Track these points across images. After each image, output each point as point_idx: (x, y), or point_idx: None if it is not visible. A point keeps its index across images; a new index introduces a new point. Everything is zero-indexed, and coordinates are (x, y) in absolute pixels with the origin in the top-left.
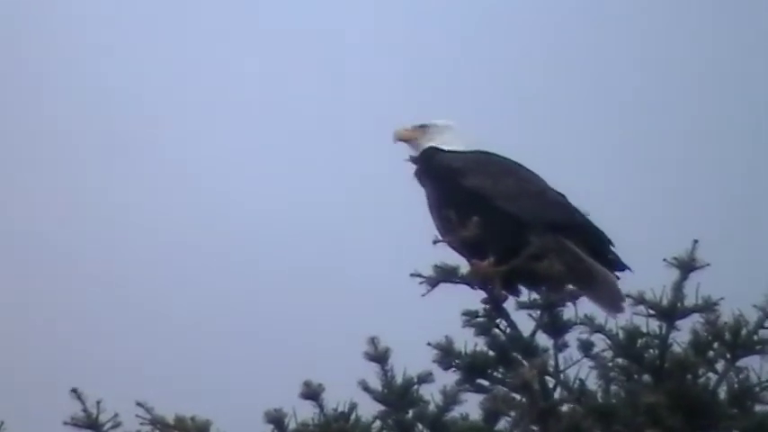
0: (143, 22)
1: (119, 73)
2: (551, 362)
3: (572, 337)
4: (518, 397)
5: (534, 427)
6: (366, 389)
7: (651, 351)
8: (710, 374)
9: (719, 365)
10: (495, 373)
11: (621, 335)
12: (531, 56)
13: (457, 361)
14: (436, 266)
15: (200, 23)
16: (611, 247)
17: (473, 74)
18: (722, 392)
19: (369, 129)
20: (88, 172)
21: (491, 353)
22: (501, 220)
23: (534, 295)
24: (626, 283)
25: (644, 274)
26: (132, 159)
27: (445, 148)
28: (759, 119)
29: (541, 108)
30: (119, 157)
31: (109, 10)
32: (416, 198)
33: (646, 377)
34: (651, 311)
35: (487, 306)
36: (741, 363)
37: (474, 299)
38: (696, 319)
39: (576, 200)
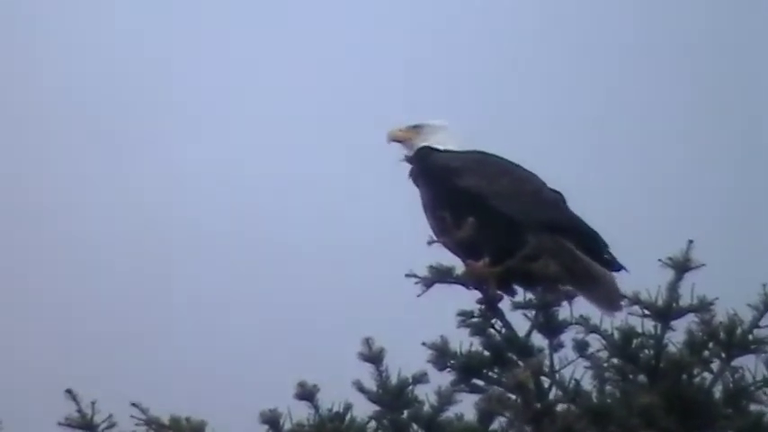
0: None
1: (120, 70)
2: (546, 362)
3: (567, 338)
4: (513, 397)
5: (529, 428)
6: (361, 389)
7: (646, 351)
8: (706, 374)
9: (714, 365)
10: (490, 374)
11: (617, 335)
12: (526, 56)
13: (452, 361)
14: (431, 267)
15: (200, 23)
16: (607, 248)
17: (471, 74)
18: (717, 392)
19: (367, 129)
20: (90, 168)
21: (486, 353)
22: (496, 221)
23: (529, 295)
24: (621, 283)
25: (639, 274)
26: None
27: (440, 147)
28: (753, 118)
29: (536, 108)
30: (121, 152)
31: (110, 7)
32: (412, 198)
33: (641, 377)
34: (646, 312)
35: (482, 306)
36: (736, 362)
37: (469, 299)
38: (691, 319)
39: (570, 199)
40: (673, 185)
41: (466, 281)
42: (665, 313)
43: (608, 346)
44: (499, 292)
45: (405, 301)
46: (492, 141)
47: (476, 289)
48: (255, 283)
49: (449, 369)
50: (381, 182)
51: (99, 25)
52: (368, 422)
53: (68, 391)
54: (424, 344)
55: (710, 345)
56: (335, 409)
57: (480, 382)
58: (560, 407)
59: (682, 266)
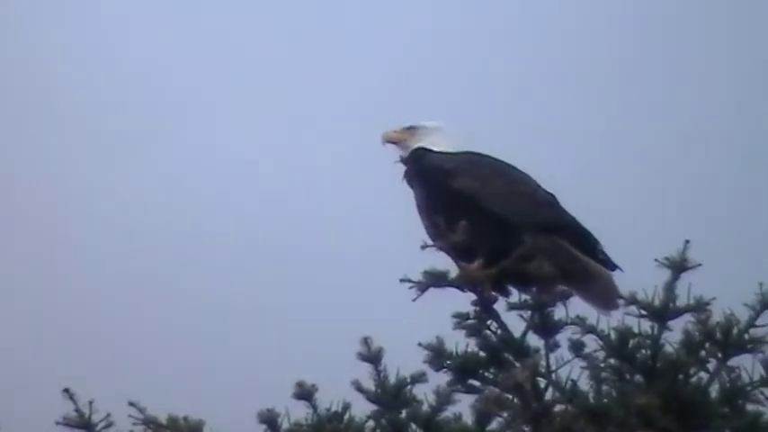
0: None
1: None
2: (543, 362)
3: (563, 338)
4: (510, 397)
5: (527, 429)
6: (359, 389)
7: (643, 351)
8: (702, 374)
9: (711, 365)
10: (486, 374)
11: (613, 335)
12: (526, 56)
13: (448, 362)
14: (426, 272)
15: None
16: (601, 248)
17: (471, 74)
18: (714, 392)
19: (367, 129)
20: (91, 168)
21: (482, 354)
22: (490, 222)
23: (524, 296)
24: (618, 283)
25: (635, 274)
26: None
27: (434, 149)
28: (749, 118)
29: (532, 108)
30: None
31: (111, 8)
32: (410, 199)
33: (638, 377)
34: (643, 312)
35: (477, 308)
36: (733, 362)
37: (466, 298)
38: (688, 320)
39: (566, 200)
40: (669, 185)
41: (460, 284)
42: (662, 313)
43: (605, 347)
44: (494, 293)
45: (403, 301)
46: (492, 142)
47: (471, 291)
48: (254, 283)
49: (445, 369)
50: (381, 182)
51: (98, 25)
52: (366, 422)
53: (66, 391)
54: (420, 344)
55: (707, 345)
56: (334, 409)
57: (477, 383)
58: (558, 407)
59: (678, 266)
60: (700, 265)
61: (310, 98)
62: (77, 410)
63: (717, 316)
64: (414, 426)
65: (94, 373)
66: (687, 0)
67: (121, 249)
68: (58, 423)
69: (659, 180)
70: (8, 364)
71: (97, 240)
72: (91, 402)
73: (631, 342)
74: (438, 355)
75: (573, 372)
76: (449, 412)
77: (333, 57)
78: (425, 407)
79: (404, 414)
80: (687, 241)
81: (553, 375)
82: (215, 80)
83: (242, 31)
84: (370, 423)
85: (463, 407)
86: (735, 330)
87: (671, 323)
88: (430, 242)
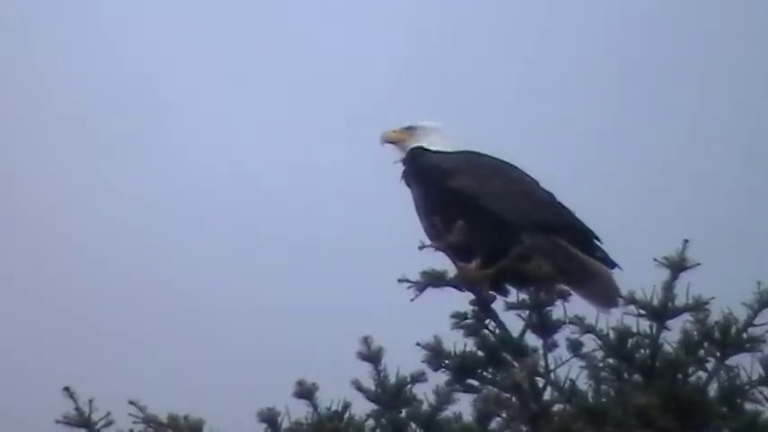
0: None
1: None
2: (541, 362)
3: (561, 337)
4: (508, 397)
5: (525, 428)
6: (359, 388)
7: (642, 351)
8: (701, 373)
9: (710, 364)
10: (484, 374)
11: (612, 335)
12: (526, 56)
13: (446, 361)
14: (424, 272)
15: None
16: (600, 245)
17: (471, 74)
18: (713, 391)
19: (367, 129)
20: (91, 168)
21: (481, 353)
22: (488, 221)
23: (523, 296)
24: (617, 281)
25: (634, 273)
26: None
27: (432, 148)
28: (749, 118)
29: (532, 108)
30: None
31: (111, 7)
32: (409, 199)
33: (636, 377)
34: (642, 311)
35: (476, 307)
36: (731, 361)
37: (464, 298)
38: (687, 319)
39: (566, 200)
40: (669, 185)
41: (458, 283)
42: (661, 313)
43: (603, 346)
44: (492, 292)
45: (403, 300)
46: (492, 142)
47: (469, 291)
48: (255, 282)
49: (443, 369)
50: (381, 182)
51: (98, 25)
52: (366, 421)
53: (66, 389)
54: (418, 344)
55: (706, 344)
56: (334, 408)
57: (475, 383)
58: (556, 407)
59: (677, 266)
60: (698, 264)
61: (310, 98)
62: (77, 409)
63: (715, 315)
64: (413, 425)
65: (94, 372)
66: (687, 0)
67: (121, 249)
68: (58, 422)
69: (659, 180)
70: (8, 364)
71: (97, 240)
72: (91, 401)
73: (630, 341)
74: (436, 355)
75: (571, 371)
76: (449, 411)
77: (333, 57)
78: (425, 406)
79: (404, 413)
80: (686, 241)
81: (551, 375)
82: (215, 80)
83: (242, 31)
84: (370, 422)
85: (463, 406)
86: (733, 330)
87: (669, 323)
88: (428, 242)
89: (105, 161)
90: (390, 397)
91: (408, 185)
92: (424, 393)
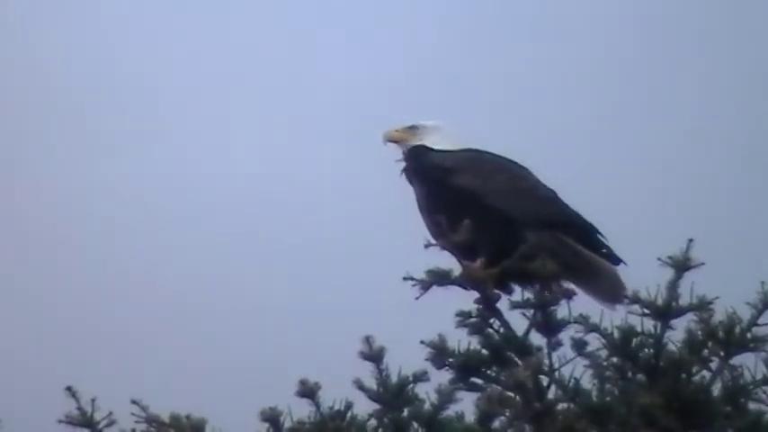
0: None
1: (119, 71)
2: (545, 361)
3: (565, 336)
4: (512, 396)
5: (529, 427)
6: (361, 388)
7: (646, 350)
8: (705, 373)
9: (714, 364)
10: (488, 372)
11: (616, 334)
12: (527, 56)
13: (450, 360)
14: (429, 271)
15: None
16: (605, 242)
17: (471, 74)
18: (716, 391)
19: (367, 129)
20: (90, 168)
21: (485, 352)
22: (492, 219)
23: (527, 294)
24: (623, 277)
25: (638, 273)
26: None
27: (434, 147)
28: (749, 118)
29: (532, 108)
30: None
31: (110, 7)
32: (412, 198)
33: (640, 376)
34: (646, 311)
35: (480, 306)
36: (735, 361)
37: (469, 296)
38: (691, 318)
39: (566, 200)
40: (672, 184)
41: (463, 282)
42: (665, 312)
43: (607, 345)
44: (497, 291)
45: (406, 300)
46: (492, 142)
47: (473, 289)
48: (255, 282)
49: (447, 367)
50: (382, 182)
51: (98, 25)
52: (368, 420)
53: (68, 389)
54: (422, 342)
55: (710, 344)
56: (336, 407)
57: (479, 381)
58: (560, 406)
59: (681, 265)
60: (703, 263)
61: (310, 98)
62: (80, 408)
63: (719, 315)
64: (416, 424)
65: (95, 372)
66: (687, 0)
67: (121, 249)
68: (60, 421)
69: (659, 180)
70: (9, 364)
71: (97, 240)
72: (93, 400)
73: (634, 341)
74: (440, 353)
75: (575, 370)
76: (451, 411)
77: (333, 57)
78: (427, 405)
79: (406, 413)
80: (690, 240)
81: (556, 374)
82: (215, 80)
83: (242, 31)
84: (373, 422)
85: (465, 405)
86: (737, 329)
87: (674, 322)
88: (433, 241)
89: (105, 161)
90: (392, 396)
91: (410, 182)
92: (426, 393)
